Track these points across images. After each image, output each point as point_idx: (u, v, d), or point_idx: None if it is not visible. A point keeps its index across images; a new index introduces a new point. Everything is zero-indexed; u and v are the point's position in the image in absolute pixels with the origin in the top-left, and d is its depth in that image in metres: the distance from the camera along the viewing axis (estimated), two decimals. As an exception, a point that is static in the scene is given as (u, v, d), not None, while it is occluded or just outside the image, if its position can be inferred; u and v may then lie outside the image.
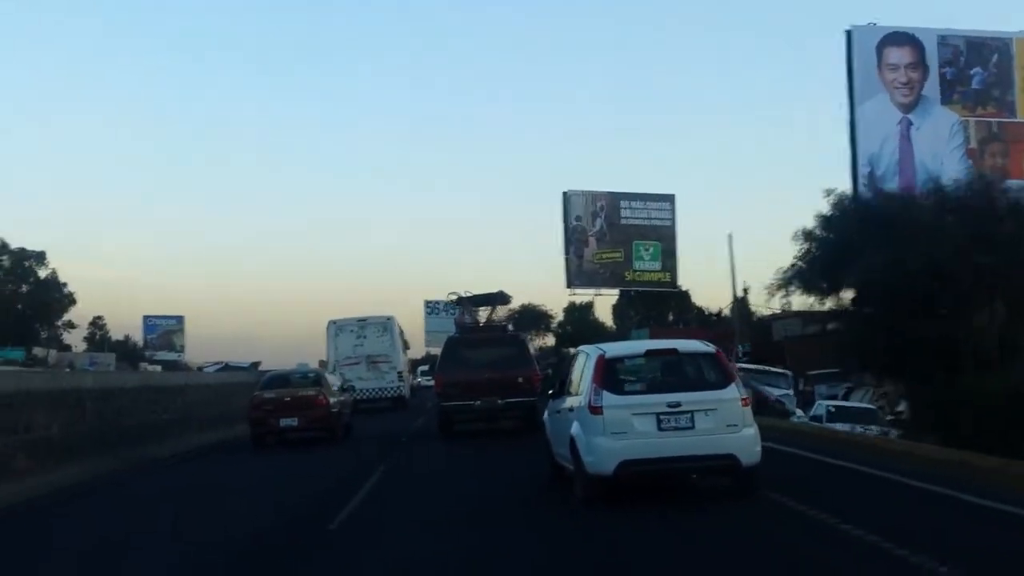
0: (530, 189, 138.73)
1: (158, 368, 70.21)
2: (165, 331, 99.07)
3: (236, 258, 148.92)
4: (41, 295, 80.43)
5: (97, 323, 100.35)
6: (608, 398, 8.36)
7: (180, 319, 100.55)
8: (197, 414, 20.12)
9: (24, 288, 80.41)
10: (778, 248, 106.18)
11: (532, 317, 79.74)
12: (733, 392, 8.48)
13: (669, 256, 53.62)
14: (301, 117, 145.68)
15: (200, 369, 58.19)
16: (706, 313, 73.28)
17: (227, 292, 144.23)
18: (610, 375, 8.58)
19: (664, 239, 53.62)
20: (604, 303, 74.17)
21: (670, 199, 54.61)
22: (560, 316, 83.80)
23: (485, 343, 18.72)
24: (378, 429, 21.12)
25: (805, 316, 53.03)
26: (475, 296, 22.01)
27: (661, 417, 8.23)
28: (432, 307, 77.76)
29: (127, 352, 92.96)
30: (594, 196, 53.95)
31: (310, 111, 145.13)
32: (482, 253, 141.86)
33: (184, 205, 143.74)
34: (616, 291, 57.25)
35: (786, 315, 57.50)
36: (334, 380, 20.25)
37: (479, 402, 17.24)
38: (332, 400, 18.12)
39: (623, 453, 8.21)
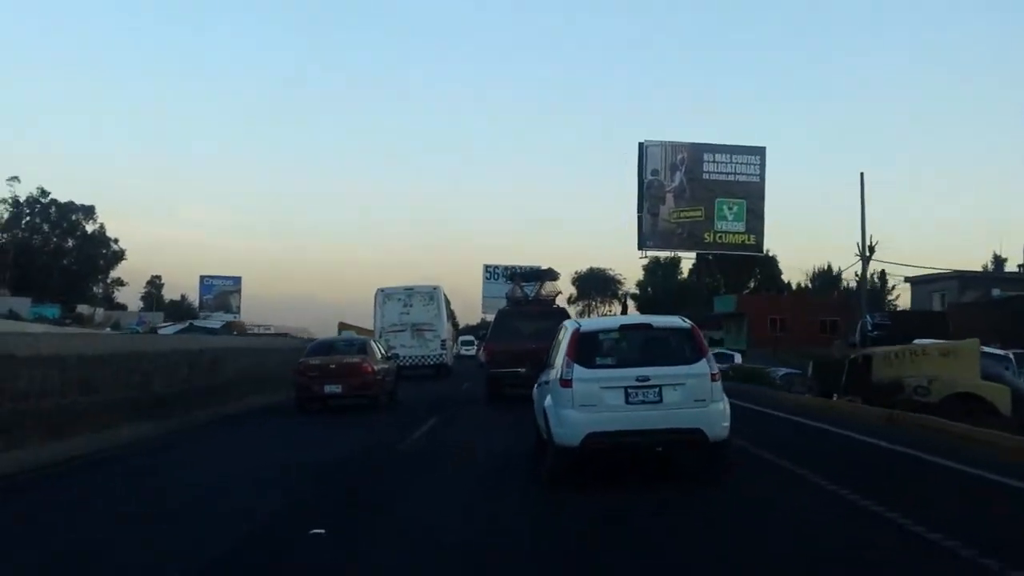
0: (602, 140, 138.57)
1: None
2: (222, 292, 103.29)
3: (297, 221, 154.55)
4: (88, 250, 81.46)
5: (155, 282, 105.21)
6: (578, 371, 9.19)
7: (237, 280, 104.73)
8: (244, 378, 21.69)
9: (70, 243, 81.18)
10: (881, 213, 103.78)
11: (597, 282, 79.16)
12: (703, 367, 9.21)
13: (755, 217, 52.35)
14: (359, 81, 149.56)
15: (154, 331, 50.94)
16: (785, 282, 71.05)
17: (286, 255, 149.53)
18: (582, 349, 9.38)
19: (751, 197, 52.44)
20: (683, 265, 74.16)
21: (759, 152, 53.18)
22: (629, 280, 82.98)
23: (532, 316, 21.49)
24: (423, 396, 22.71)
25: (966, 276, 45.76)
26: (525, 271, 24.66)
27: (629, 391, 9.01)
28: (491, 272, 79.56)
29: (181, 312, 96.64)
30: (674, 147, 52.90)
31: (367, 74, 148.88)
32: (547, 214, 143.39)
33: (251, 168, 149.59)
34: (692, 254, 56.19)
35: (937, 278, 47.58)
36: (379, 348, 21.83)
37: (524, 369, 19.15)
38: (376, 367, 19.56)
39: (590, 425, 9.01)
